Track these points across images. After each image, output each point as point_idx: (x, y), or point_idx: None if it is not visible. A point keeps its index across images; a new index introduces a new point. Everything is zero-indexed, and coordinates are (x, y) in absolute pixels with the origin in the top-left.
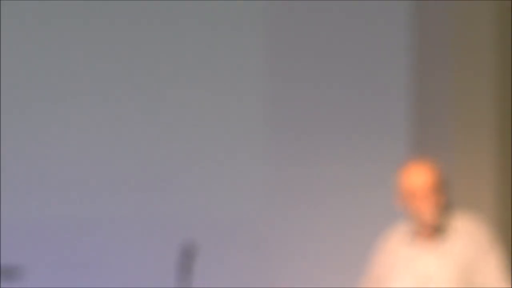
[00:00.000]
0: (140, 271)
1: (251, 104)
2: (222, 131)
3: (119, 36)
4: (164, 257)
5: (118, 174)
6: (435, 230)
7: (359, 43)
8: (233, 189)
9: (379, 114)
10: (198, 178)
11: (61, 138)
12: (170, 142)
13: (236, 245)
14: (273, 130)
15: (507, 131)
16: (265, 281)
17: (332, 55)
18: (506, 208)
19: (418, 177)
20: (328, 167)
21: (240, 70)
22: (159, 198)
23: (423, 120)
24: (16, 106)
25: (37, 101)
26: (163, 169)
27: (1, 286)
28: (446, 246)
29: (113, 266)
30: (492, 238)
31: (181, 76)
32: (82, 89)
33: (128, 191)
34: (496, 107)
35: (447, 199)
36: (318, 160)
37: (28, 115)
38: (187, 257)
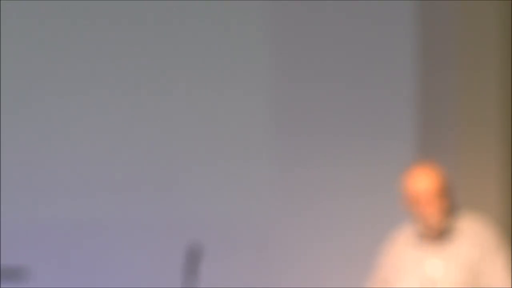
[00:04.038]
0: (146, 272)
1: (257, 105)
2: (228, 133)
3: (121, 36)
4: (170, 259)
5: (123, 175)
6: (441, 232)
7: (364, 45)
8: (239, 191)
9: (385, 116)
10: (204, 180)
11: (66, 139)
12: (176, 144)
13: (242, 247)
14: (280, 132)
15: None
16: (271, 282)
17: (338, 56)
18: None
19: (422, 182)
20: (334, 168)
21: (247, 70)
22: (165, 199)
23: (429, 121)
24: (17, 108)
25: (39, 102)
26: (169, 171)
27: (5, 287)
28: (452, 247)
29: (119, 268)
30: (498, 239)
31: (188, 77)
32: (85, 89)
33: (134, 193)
34: (502, 107)
35: (452, 202)
36: (324, 161)
37: (32, 116)
38: (193, 259)
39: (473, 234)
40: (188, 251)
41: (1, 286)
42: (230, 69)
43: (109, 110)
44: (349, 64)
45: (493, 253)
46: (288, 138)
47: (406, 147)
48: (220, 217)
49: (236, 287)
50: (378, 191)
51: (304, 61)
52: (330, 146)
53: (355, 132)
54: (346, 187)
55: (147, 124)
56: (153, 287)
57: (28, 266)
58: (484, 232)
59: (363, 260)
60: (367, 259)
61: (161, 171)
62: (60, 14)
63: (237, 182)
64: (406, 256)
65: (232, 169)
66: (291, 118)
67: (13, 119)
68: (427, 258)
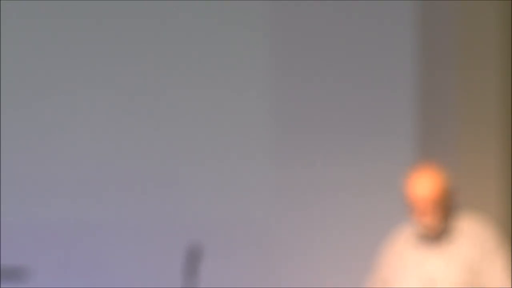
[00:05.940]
0: (146, 273)
1: (257, 105)
2: (228, 133)
3: (122, 36)
4: (170, 259)
5: (123, 175)
6: (441, 233)
7: (364, 45)
8: (239, 191)
9: (385, 116)
10: (204, 180)
11: (66, 139)
12: (176, 144)
13: (242, 247)
14: (280, 131)
15: None
16: (271, 282)
17: (338, 56)
18: None
19: (422, 189)
20: (334, 168)
21: (247, 70)
22: (165, 199)
23: (429, 121)
24: (17, 108)
25: (39, 102)
26: (169, 171)
27: (4, 287)
28: (452, 247)
29: (119, 268)
30: (498, 239)
31: (189, 77)
32: (85, 89)
33: (134, 193)
34: (502, 107)
35: (452, 204)
36: (324, 161)
37: (32, 116)
38: (193, 259)
39: (473, 234)
40: (188, 251)
41: (1, 286)
42: (230, 69)
43: (109, 110)
44: (349, 64)
45: (493, 253)
46: (288, 138)
47: (406, 147)
48: (220, 217)
49: (236, 287)
50: (378, 191)
51: (304, 61)
52: (330, 146)
53: (355, 132)
54: (346, 187)
55: (147, 124)
56: (153, 287)
57: (28, 266)
58: (484, 232)
59: (363, 260)
60: (367, 259)
61: (161, 171)
62: (60, 14)
63: (237, 182)
64: (406, 256)
65: (232, 169)
66: (291, 118)
67: (13, 119)
68: (427, 258)
